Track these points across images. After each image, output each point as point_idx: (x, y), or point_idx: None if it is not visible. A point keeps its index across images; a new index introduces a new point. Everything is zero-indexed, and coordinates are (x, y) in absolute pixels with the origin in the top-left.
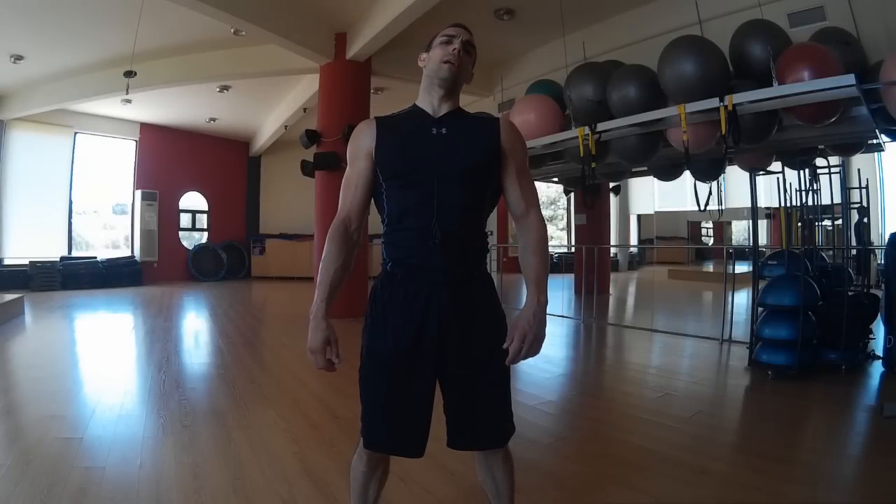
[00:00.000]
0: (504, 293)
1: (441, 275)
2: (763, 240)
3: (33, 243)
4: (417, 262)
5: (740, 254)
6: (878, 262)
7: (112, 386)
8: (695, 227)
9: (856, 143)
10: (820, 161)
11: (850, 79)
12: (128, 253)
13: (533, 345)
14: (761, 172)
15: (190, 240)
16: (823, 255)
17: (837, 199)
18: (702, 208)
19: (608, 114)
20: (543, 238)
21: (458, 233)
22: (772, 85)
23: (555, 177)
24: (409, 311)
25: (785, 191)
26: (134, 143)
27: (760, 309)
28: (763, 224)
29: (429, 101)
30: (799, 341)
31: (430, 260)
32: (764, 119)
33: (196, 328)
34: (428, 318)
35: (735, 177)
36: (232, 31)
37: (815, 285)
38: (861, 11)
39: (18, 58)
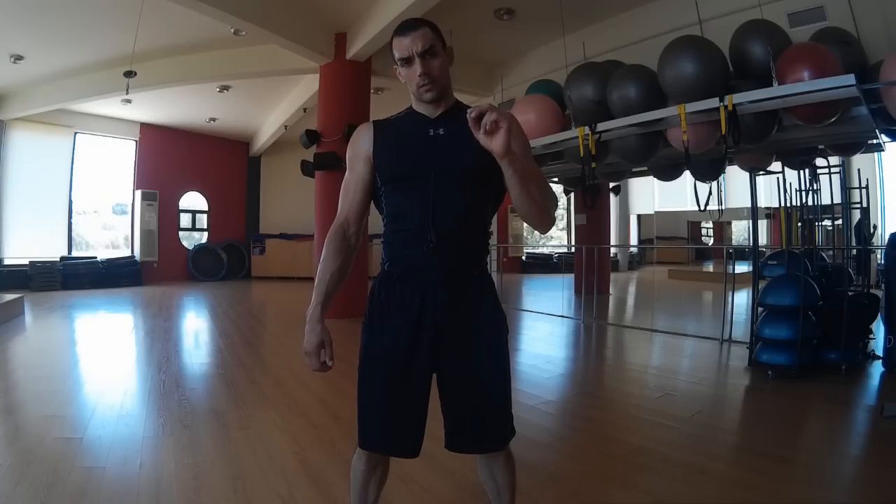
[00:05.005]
0: (504, 293)
1: (437, 275)
2: (763, 240)
3: (33, 243)
4: (414, 262)
5: (740, 254)
6: (879, 261)
7: (112, 386)
8: (695, 227)
9: (856, 143)
10: (820, 161)
11: (850, 79)
12: (128, 253)
13: (501, 129)
14: (761, 172)
15: (190, 240)
16: (823, 255)
17: (837, 199)
18: (702, 208)
19: (608, 114)
20: (549, 191)
21: (456, 234)
22: (772, 85)
23: (555, 177)
24: (405, 311)
25: (785, 191)
26: (134, 143)
27: (760, 309)
28: (763, 224)
29: (423, 106)
30: (799, 341)
31: (427, 260)
32: (764, 119)
33: (196, 328)
34: (424, 318)
35: (735, 177)
36: (232, 31)
37: (815, 285)
38: (861, 11)
39: (18, 58)
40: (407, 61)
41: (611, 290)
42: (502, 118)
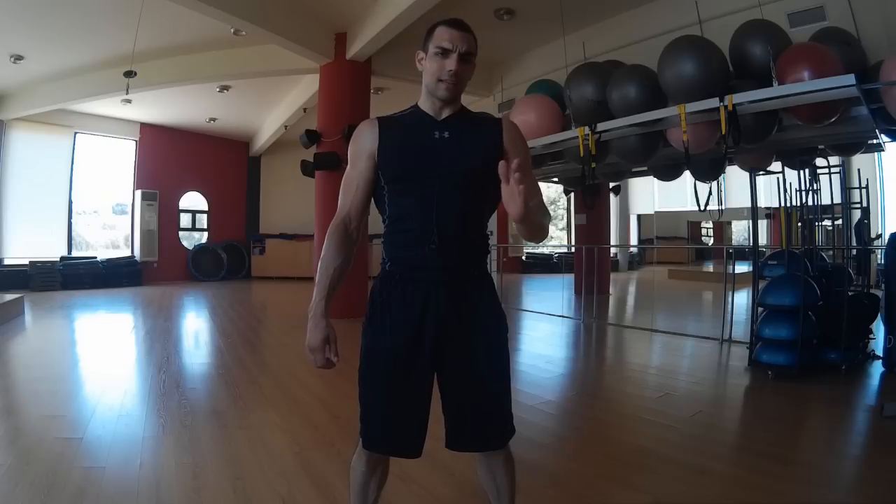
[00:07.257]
0: (504, 293)
1: (439, 274)
2: (763, 240)
3: (33, 243)
4: (415, 262)
5: (740, 254)
6: (879, 261)
7: (112, 386)
8: (695, 227)
9: (856, 143)
10: (820, 161)
11: (850, 79)
12: (128, 253)
13: (523, 183)
14: (761, 172)
15: (190, 240)
16: (823, 255)
17: (837, 199)
18: (702, 208)
19: (608, 114)
20: (544, 209)
21: (457, 235)
22: (772, 85)
23: (555, 177)
24: (406, 311)
25: (785, 191)
26: (134, 143)
27: (760, 309)
28: (763, 224)
29: (430, 105)
30: (799, 341)
31: (428, 260)
32: (764, 119)
33: (196, 328)
34: (426, 318)
35: (735, 177)
36: (232, 31)
37: (815, 285)
38: (861, 11)
39: (18, 58)
40: (445, 53)
41: (611, 290)
42: (530, 192)
